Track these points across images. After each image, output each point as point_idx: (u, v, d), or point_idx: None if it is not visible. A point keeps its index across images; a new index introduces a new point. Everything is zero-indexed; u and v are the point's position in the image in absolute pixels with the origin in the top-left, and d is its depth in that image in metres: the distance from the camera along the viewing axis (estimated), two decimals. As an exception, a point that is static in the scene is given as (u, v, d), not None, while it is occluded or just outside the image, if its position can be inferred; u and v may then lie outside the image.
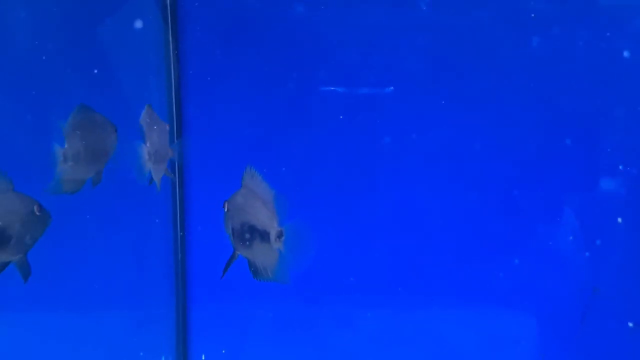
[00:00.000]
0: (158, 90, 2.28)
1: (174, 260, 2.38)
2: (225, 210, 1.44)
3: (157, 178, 1.68)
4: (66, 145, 1.57)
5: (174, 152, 1.72)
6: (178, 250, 2.37)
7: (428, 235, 2.25)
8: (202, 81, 2.28)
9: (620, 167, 2.14)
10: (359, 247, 2.29)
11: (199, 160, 2.32)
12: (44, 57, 1.97)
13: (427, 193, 2.23)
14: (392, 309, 2.30)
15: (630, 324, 2.15)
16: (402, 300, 2.29)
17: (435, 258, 2.25)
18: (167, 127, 1.72)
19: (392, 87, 2.19)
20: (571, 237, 2.18)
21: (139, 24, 2.20)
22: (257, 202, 1.41)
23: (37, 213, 1.37)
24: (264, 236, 1.39)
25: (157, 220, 2.36)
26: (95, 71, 2.10)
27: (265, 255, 1.41)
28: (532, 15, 2.10)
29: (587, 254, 2.18)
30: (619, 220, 2.14)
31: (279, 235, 1.38)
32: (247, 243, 1.41)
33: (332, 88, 2.21)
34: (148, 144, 1.64)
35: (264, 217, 1.39)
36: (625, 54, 2.08)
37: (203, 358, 2.41)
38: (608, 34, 2.09)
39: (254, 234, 1.40)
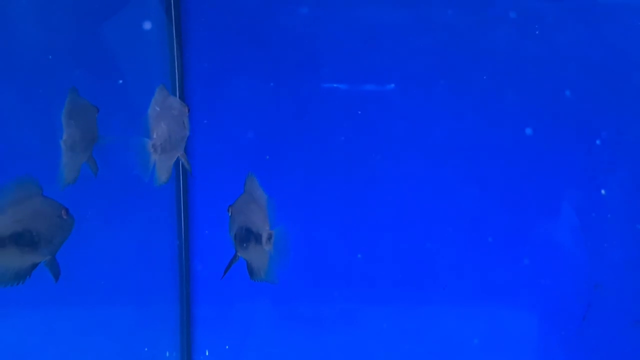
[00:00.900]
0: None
1: (178, 257, 2.38)
2: (230, 215, 1.50)
3: (163, 169, 1.58)
4: (65, 135, 1.59)
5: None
6: (182, 247, 2.37)
7: (430, 232, 2.26)
8: (206, 81, 2.28)
9: (622, 164, 2.14)
10: (361, 244, 2.29)
11: (203, 159, 2.33)
12: (50, 57, 1.98)
13: (430, 190, 2.24)
14: (394, 306, 2.30)
15: None
16: (405, 297, 2.30)
17: (437, 255, 2.26)
18: (187, 110, 1.58)
19: (393, 85, 2.20)
20: (573, 234, 2.18)
21: (143, 24, 2.21)
22: (254, 206, 1.48)
23: (64, 217, 1.44)
24: (258, 238, 1.45)
25: (162, 218, 2.36)
26: (99, 71, 2.11)
27: (258, 257, 1.47)
28: (534, 14, 2.10)
29: (588, 250, 2.18)
30: (609, 216, 2.14)
31: (269, 238, 1.45)
32: (245, 245, 1.47)
33: (335, 85, 2.21)
34: (155, 135, 1.52)
35: (259, 220, 1.45)
36: (626, 52, 2.08)
37: (207, 354, 2.42)
38: (609, 32, 2.09)
39: (250, 236, 1.46)
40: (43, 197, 1.43)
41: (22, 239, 1.37)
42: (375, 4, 2.18)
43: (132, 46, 2.20)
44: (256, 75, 2.26)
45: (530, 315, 2.24)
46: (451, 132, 2.21)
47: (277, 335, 2.38)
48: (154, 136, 1.51)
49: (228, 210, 1.50)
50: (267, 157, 2.27)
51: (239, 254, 1.51)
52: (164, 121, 1.52)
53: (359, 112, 2.23)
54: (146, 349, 2.36)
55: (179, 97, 2.27)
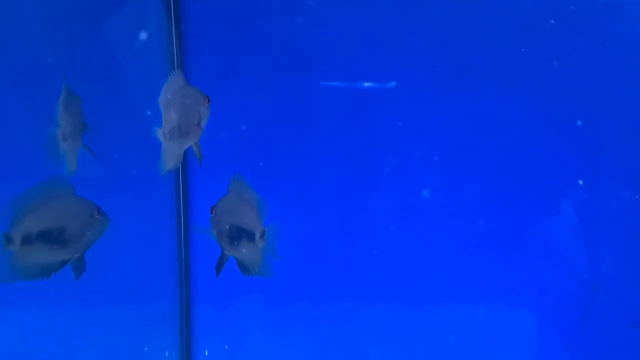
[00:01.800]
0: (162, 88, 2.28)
1: (178, 258, 2.39)
2: (213, 215, 1.56)
3: (171, 157, 1.57)
4: (62, 125, 1.62)
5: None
6: (182, 247, 2.38)
7: (428, 232, 2.26)
8: (206, 81, 2.29)
9: (620, 165, 2.14)
10: (360, 244, 2.30)
11: (203, 158, 2.33)
12: (49, 59, 1.99)
13: (428, 191, 2.24)
14: (393, 306, 2.31)
15: None
16: (404, 297, 2.30)
17: (435, 255, 2.26)
18: (206, 100, 1.56)
19: (394, 83, 2.20)
20: (572, 236, 2.18)
21: (142, 26, 2.21)
22: (244, 205, 1.54)
23: (97, 216, 1.47)
24: (251, 236, 1.52)
25: (161, 218, 2.37)
26: (99, 74, 2.12)
27: (251, 253, 1.54)
28: (534, 14, 2.11)
29: (587, 251, 2.18)
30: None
31: (262, 235, 1.53)
32: (235, 243, 1.54)
33: (334, 83, 2.22)
34: (165, 122, 1.52)
35: (250, 219, 1.53)
36: (626, 53, 2.08)
37: (206, 353, 2.42)
38: (609, 33, 2.09)
39: (241, 234, 1.53)
40: (74, 197, 1.47)
41: (50, 237, 1.41)
42: (375, 3, 2.18)
43: (131, 49, 2.21)
44: (255, 75, 2.27)
45: (529, 316, 2.24)
46: (451, 132, 2.21)
47: (276, 335, 2.39)
48: (164, 123, 1.52)
49: (211, 211, 1.56)
50: (261, 164, 2.28)
51: (227, 252, 1.57)
52: (174, 108, 1.52)
53: (359, 112, 2.23)
54: (146, 349, 2.37)
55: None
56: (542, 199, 2.20)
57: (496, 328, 2.27)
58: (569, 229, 2.18)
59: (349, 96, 2.23)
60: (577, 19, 2.10)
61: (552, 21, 2.10)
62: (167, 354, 2.41)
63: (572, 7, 2.09)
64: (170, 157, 1.58)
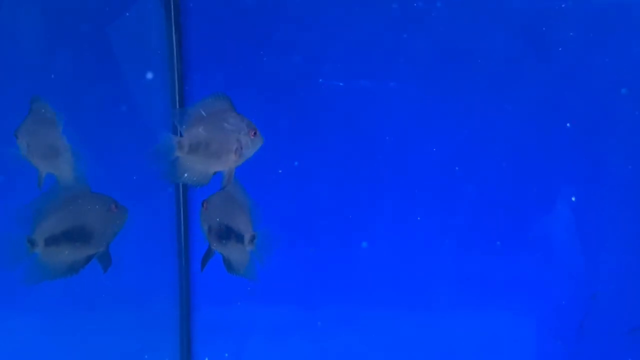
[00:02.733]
0: (162, 87, 2.28)
1: (178, 264, 2.40)
2: (204, 209, 1.58)
3: (189, 172, 1.55)
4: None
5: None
6: (182, 253, 2.38)
7: (428, 238, 2.25)
8: (206, 79, 2.29)
9: (622, 172, 2.13)
10: (359, 247, 2.29)
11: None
12: (48, 61, 2.00)
13: (427, 194, 2.24)
14: (392, 310, 2.30)
15: None
16: (403, 302, 2.29)
17: (435, 260, 2.25)
18: (253, 134, 1.53)
19: (393, 83, 2.19)
20: (570, 242, 2.17)
21: (141, 22, 2.22)
22: (235, 206, 1.58)
23: (114, 210, 1.53)
24: (239, 238, 1.57)
25: (161, 223, 2.37)
26: (97, 69, 2.12)
27: (238, 254, 1.59)
28: (534, 14, 2.10)
29: (586, 259, 2.17)
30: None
31: (252, 239, 1.57)
32: (224, 242, 1.58)
33: (335, 83, 2.21)
34: (186, 133, 1.50)
35: (241, 221, 1.57)
36: (625, 53, 2.07)
37: (206, 360, 2.43)
38: (608, 33, 2.08)
39: (230, 234, 1.57)
40: (92, 194, 1.54)
41: (72, 235, 1.49)
42: (375, 3, 2.17)
43: (130, 44, 2.22)
44: (255, 72, 2.26)
45: (528, 323, 2.25)
46: (450, 133, 2.21)
47: (276, 341, 2.38)
48: (185, 134, 1.51)
49: (202, 205, 1.58)
50: (280, 171, 2.27)
51: (216, 248, 1.61)
52: (206, 126, 1.52)
53: (359, 111, 2.22)
54: (146, 357, 2.37)
55: (179, 98, 2.27)
56: (542, 206, 2.20)
57: (495, 335, 2.27)
58: (568, 236, 2.19)
59: (348, 96, 2.23)
60: (577, 18, 2.10)
61: (554, 22, 2.09)
62: (167, 361, 2.41)
63: (572, 8, 2.08)
64: (185, 170, 1.55)
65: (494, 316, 2.24)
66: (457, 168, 2.20)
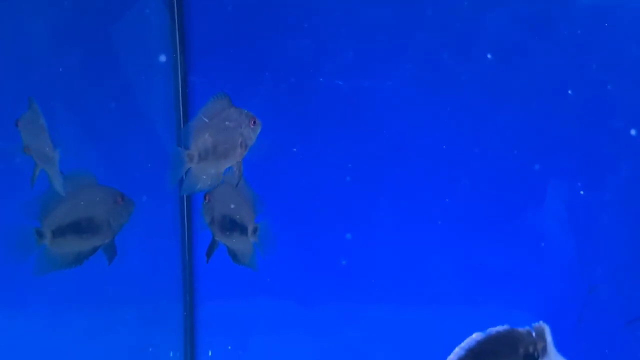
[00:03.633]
0: (165, 87, 2.29)
1: (182, 259, 2.41)
2: (206, 201, 1.63)
3: (200, 179, 1.58)
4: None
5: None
6: (186, 248, 2.40)
7: (426, 233, 2.26)
8: (209, 77, 2.30)
9: (620, 166, 2.13)
10: (360, 243, 2.30)
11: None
12: (50, 59, 2.00)
13: (426, 191, 2.24)
14: (394, 306, 2.30)
15: None
16: (404, 298, 2.29)
17: (433, 256, 2.26)
18: (254, 124, 1.56)
19: (391, 82, 2.20)
20: (567, 236, 2.18)
21: (145, 22, 2.22)
22: (239, 199, 1.63)
23: (121, 202, 1.57)
24: (243, 229, 1.62)
25: (165, 219, 2.38)
26: (100, 70, 2.13)
27: (242, 245, 1.64)
28: (534, 13, 2.10)
29: (583, 252, 2.17)
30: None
31: (255, 231, 1.63)
32: (228, 233, 1.63)
33: (336, 82, 2.22)
34: (194, 144, 1.53)
35: (244, 213, 1.62)
36: (626, 54, 2.07)
37: (210, 354, 2.43)
38: (608, 34, 2.08)
39: (234, 226, 1.62)
40: (98, 186, 1.57)
41: (79, 227, 1.52)
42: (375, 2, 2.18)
43: (132, 44, 2.22)
44: (257, 71, 2.27)
45: (526, 317, 2.23)
46: (450, 133, 2.21)
47: (280, 336, 2.39)
48: (193, 146, 1.55)
49: (205, 197, 1.63)
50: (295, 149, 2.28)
51: (220, 239, 1.66)
52: (210, 132, 1.55)
53: (359, 112, 2.23)
54: (150, 349, 2.38)
55: (182, 96, 2.28)
56: (539, 201, 2.20)
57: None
58: (565, 229, 2.18)
59: (348, 96, 2.23)
60: (577, 20, 2.10)
61: (554, 22, 2.09)
62: (171, 355, 2.42)
63: (573, 5, 2.08)
64: (198, 179, 1.58)
65: (491, 309, 2.24)
66: (454, 163, 2.21)
